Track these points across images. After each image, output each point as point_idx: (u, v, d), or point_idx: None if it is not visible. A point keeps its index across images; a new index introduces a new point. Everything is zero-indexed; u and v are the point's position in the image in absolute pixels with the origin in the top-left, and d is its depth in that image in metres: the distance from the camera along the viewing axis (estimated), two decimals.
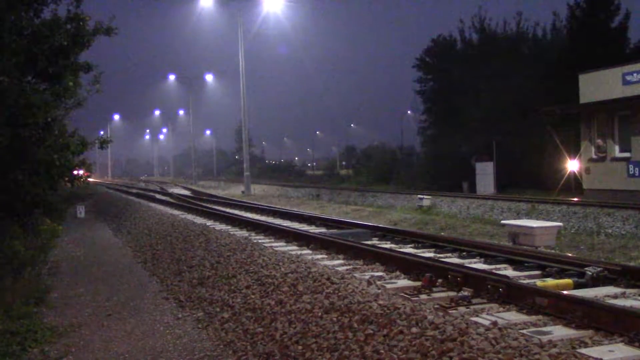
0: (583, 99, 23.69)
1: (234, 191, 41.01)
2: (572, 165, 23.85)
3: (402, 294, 5.64)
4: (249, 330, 5.86)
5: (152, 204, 22.07)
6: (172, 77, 73.05)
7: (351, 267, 7.41)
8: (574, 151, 24.18)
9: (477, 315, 4.98)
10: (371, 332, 4.59)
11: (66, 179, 10.45)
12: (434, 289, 5.92)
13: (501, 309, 5.21)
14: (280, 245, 9.64)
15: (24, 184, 9.63)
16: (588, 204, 17.62)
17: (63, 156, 9.73)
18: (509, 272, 6.81)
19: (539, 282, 5.98)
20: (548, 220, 15.59)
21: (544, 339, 4.08)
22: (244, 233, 11.55)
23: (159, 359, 5.68)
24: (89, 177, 12.00)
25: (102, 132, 56.53)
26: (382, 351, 4.29)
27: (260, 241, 10.04)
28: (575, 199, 19.86)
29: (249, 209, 18.64)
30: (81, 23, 9.92)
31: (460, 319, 4.43)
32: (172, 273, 9.40)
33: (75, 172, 10.60)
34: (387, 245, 9.41)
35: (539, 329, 4.54)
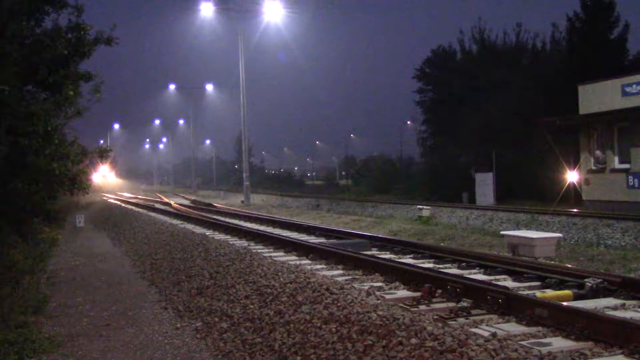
0: (582, 110, 23.74)
1: (234, 201, 40.97)
2: (572, 176, 23.86)
3: (401, 305, 5.62)
4: (247, 341, 5.84)
5: (152, 214, 22.07)
6: (172, 87, 73.24)
7: (350, 277, 7.39)
8: (574, 162, 24.20)
9: (476, 327, 4.96)
10: (370, 342, 4.58)
11: (65, 187, 10.42)
12: (434, 300, 5.91)
13: (500, 320, 5.20)
14: (280, 255, 9.61)
15: (23, 192, 9.62)
16: (587, 215, 17.61)
17: (63, 165, 9.71)
18: (508, 283, 6.80)
19: (538, 293, 5.97)
20: (547, 231, 15.59)
21: (544, 350, 4.06)
22: (243, 243, 11.53)
23: None
24: (90, 186, 11.93)
25: (102, 142, 56.69)
26: None
27: (259, 251, 10.02)
28: (575, 210, 19.85)
29: (249, 218, 18.63)
30: (82, 32, 9.92)
31: (459, 330, 4.41)
32: (170, 283, 9.38)
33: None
34: (387, 255, 9.40)
35: (539, 340, 4.52)
